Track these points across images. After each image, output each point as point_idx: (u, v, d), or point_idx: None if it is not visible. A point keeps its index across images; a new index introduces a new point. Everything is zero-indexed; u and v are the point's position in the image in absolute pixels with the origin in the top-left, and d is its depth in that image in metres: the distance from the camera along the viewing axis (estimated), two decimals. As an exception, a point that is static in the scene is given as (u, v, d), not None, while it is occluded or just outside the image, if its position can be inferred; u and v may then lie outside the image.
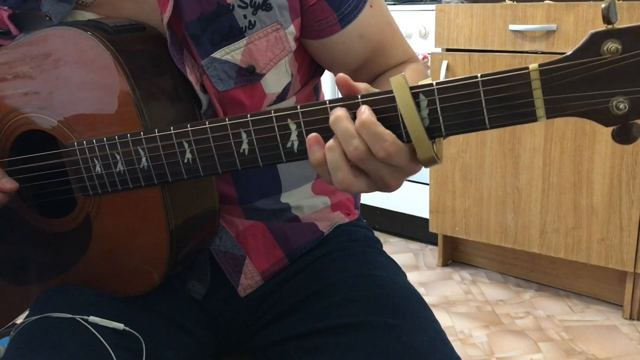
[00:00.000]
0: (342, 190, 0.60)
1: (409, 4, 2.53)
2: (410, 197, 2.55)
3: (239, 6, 0.73)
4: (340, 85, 0.59)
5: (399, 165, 0.58)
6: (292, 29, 0.76)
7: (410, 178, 2.60)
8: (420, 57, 2.35)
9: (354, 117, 0.57)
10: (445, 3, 2.26)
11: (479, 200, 2.22)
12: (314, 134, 0.59)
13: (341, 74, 0.59)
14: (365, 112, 0.56)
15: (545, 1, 2.03)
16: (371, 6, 0.80)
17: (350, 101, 0.57)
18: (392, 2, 2.61)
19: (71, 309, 0.73)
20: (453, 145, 2.23)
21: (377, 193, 2.39)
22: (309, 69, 0.85)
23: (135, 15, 0.75)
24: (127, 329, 0.73)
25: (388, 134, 0.56)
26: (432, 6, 2.26)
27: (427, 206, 2.38)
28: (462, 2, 2.29)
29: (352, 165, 0.58)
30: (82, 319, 0.72)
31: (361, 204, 2.91)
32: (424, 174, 2.42)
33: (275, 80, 0.78)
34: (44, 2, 0.74)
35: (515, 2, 2.07)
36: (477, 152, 2.18)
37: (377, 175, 0.59)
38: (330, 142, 0.58)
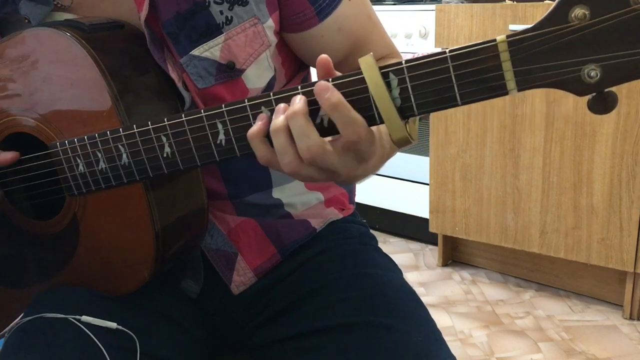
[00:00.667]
0: (291, 176, 0.59)
1: (409, 4, 2.52)
2: (410, 197, 2.55)
3: (215, 2, 0.73)
4: (320, 66, 0.58)
5: (362, 150, 0.58)
6: (270, 23, 0.76)
7: (410, 178, 2.61)
8: (420, 57, 2.35)
9: None
10: (445, 3, 2.26)
11: (479, 200, 2.22)
12: (255, 129, 0.58)
13: (324, 55, 0.58)
14: (335, 95, 0.55)
15: (545, 1, 2.03)
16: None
17: None
18: (392, 2, 2.61)
19: (64, 309, 0.73)
20: (453, 145, 2.23)
21: (377, 193, 2.38)
22: (295, 62, 0.85)
23: (114, 16, 0.75)
24: (120, 327, 0.73)
25: (359, 117, 0.56)
26: (432, 6, 2.26)
27: (427, 206, 2.38)
28: (462, 2, 2.29)
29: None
30: (74, 318, 0.72)
31: (362, 204, 2.89)
32: (424, 173, 2.42)
33: (257, 75, 0.78)
34: (22, 5, 0.74)
35: (515, 2, 2.07)
36: (477, 152, 2.18)
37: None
38: (276, 123, 0.57)
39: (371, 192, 2.65)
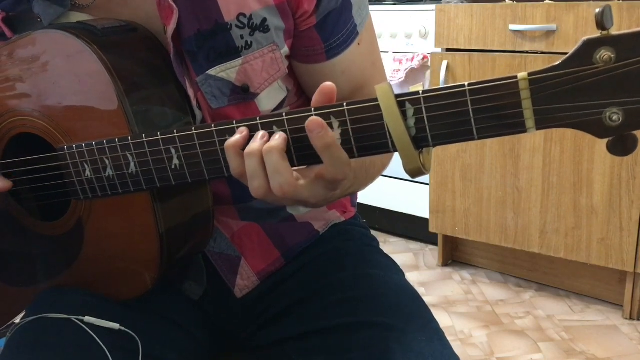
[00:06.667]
0: (259, 198, 0.60)
1: (409, 4, 2.52)
2: (410, 197, 2.55)
3: (237, 26, 0.73)
4: (323, 93, 0.58)
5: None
6: (286, 49, 0.76)
7: (410, 178, 2.59)
8: (420, 57, 2.35)
9: (340, 127, 0.57)
10: (445, 3, 2.26)
11: (479, 200, 2.22)
12: (233, 140, 0.59)
13: (330, 84, 0.58)
14: (329, 135, 0.56)
15: (545, 1, 2.03)
16: (359, 44, 0.79)
17: (335, 109, 0.56)
18: (392, 2, 2.61)
19: (66, 310, 0.73)
20: (453, 145, 2.22)
21: (377, 193, 2.38)
22: None
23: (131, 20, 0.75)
24: (123, 328, 0.73)
25: (346, 157, 0.57)
26: (432, 6, 2.26)
27: (427, 206, 2.38)
28: (462, 2, 2.29)
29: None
30: (77, 319, 0.72)
31: (362, 204, 2.88)
32: (424, 174, 2.41)
33: (270, 97, 0.78)
34: (35, 4, 0.74)
35: (515, 2, 2.07)
36: (477, 152, 2.18)
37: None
38: (252, 147, 0.58)
39: (371, 192, 2.65)
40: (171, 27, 0.71)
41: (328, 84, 0.58)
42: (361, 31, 0.79)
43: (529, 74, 0.50)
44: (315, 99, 0.58)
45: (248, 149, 0.58)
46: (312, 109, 0.57)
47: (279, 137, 0.57)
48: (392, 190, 2.59)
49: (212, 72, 0.74)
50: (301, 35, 0.76)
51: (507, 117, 0.51)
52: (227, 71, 0.74)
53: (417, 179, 2.51)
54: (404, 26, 2.43)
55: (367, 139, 0.56)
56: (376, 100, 0.54)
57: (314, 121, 0.56)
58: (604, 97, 0.48)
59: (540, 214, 2.08)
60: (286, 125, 0.58)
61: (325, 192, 0.60)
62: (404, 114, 0.54)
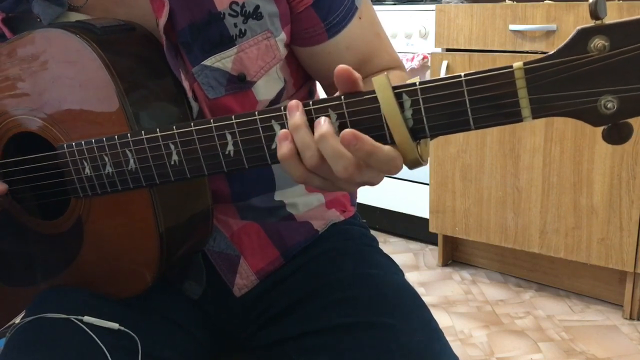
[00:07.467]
0: (311, 182, 0.59)
1: (409, 4, 2.53)
2: (410, 197, 2.55)
3: (230, 15, 0.73)
4: (342, 78, 0.55)
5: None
6: (282, 36, 0.76)
7: (410, 178, 2.61)
8: (420, 57, 2.35)
9: (338, 120, 0.56)
10: (445, 3, 2.26)
11: (479, 200, 2.22)
12: (284, 130, 0.57)
13: (344, 66, 0.56)
14: (367, 143, 0.54)
15: (545, 1, 2.03)
16: (360, 18, 0.79)
17: (332, 102, 0.56)
18: (392, 2, 2.61)
19: (66, 309, 0.74)
20: (453, 145, 2.23)
21: (377, 193, 2.37)
22: (304, 71, 0.85)
23: (127, 19, 0.75)
24: (122, 328, 0.73)
25: (393, 152, 0.55)
26: (432, 6, 2.26)
27: (427, 206, 2.38)
28: (462, 2, 2.29)
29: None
30: (77, 319, 0.72)
31: (362, 204, 2.88)
32: (424, 174, 2.42)
33: (267, 87, 0.78)
34: (34, 4, 0.74)
35: (515, 2, 2.07)
36: (477, 152, 2.18)
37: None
38: (294, 121, 0.56)
39: (371, 192, 2.65)
40: (162, 20, 0.71)
41: (341, 67, 0.55)
42: (360, 5, 0.79)
43: (524, 64, 0.50)
44: (339, 88, 0.57)
45: (291, 127, 0.56)
46: (311, 102, 0.57)
47: (324, 122, 0.55)
48: (392, 190, 2.59)
49: (207, 62, 0.74)
50: (299, 18, 0.76)
51: (503, 107, 0.52)
52: (223, 61, 0.74)
53: (417, 179, 2.51)
54: (404, 26, 2.43)
55: (365, 131, 0.55)
56: (374, 92, 0.55)
57: (347, 136, 0.54)
58: (598, 85, 0.49)
59: (540, 214, 2.09)
60: (284, 119, 0.58)
61: (382, 174, 0.58)
62: (401, 105, 0.54)
